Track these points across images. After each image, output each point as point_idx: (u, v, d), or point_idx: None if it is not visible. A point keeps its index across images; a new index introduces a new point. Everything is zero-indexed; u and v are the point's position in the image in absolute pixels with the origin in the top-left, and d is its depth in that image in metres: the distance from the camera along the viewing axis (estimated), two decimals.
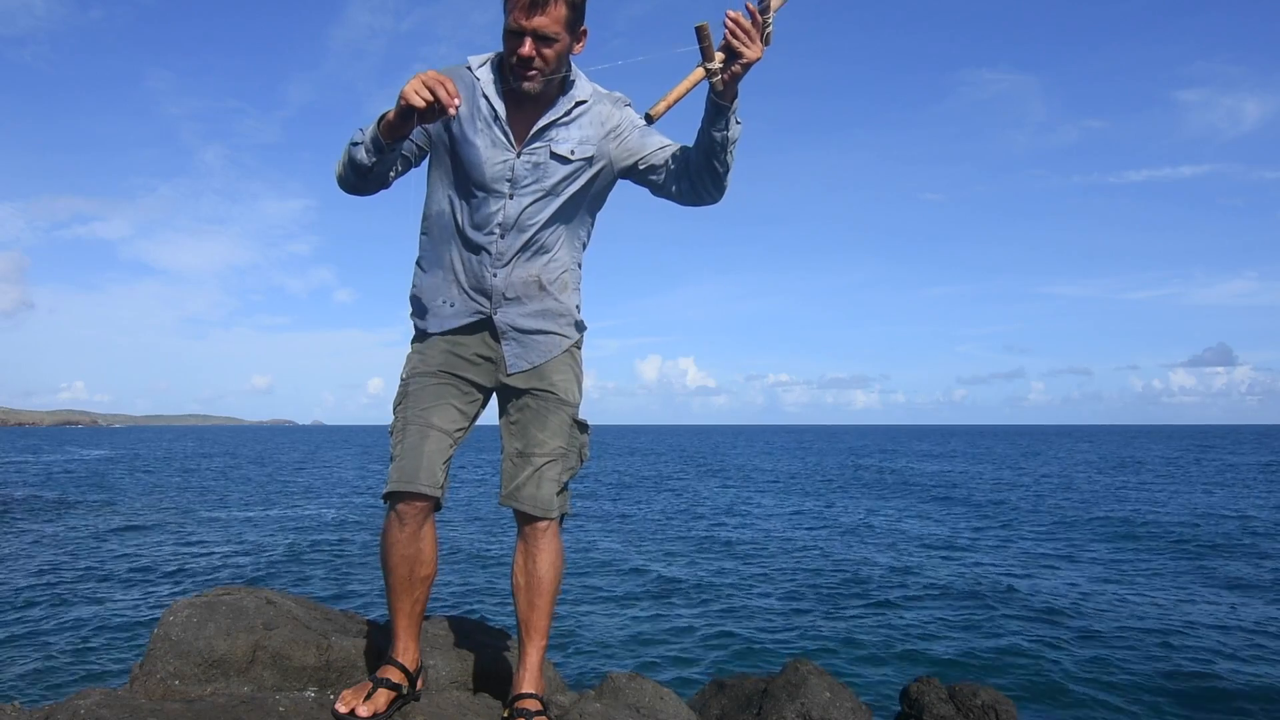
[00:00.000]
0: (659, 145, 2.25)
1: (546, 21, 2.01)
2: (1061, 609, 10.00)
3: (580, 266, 2.41)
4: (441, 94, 1.86)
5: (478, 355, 2.29)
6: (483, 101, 2.17)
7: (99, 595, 10.56)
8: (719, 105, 2.03)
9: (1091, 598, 10.64)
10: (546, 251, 2.27)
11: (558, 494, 2.32)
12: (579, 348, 2.41)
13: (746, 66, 1.95)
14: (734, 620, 9.55)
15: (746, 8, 1.90)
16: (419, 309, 2.34)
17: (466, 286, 2.26)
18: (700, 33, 1.88)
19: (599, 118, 2.22)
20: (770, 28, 1.92)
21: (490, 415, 2.45)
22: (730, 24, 1.89)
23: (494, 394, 2.39)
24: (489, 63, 2.21)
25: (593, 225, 2.41)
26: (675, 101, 1.95)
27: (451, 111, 1.88)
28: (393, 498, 2.23)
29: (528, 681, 2.33)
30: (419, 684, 2.39)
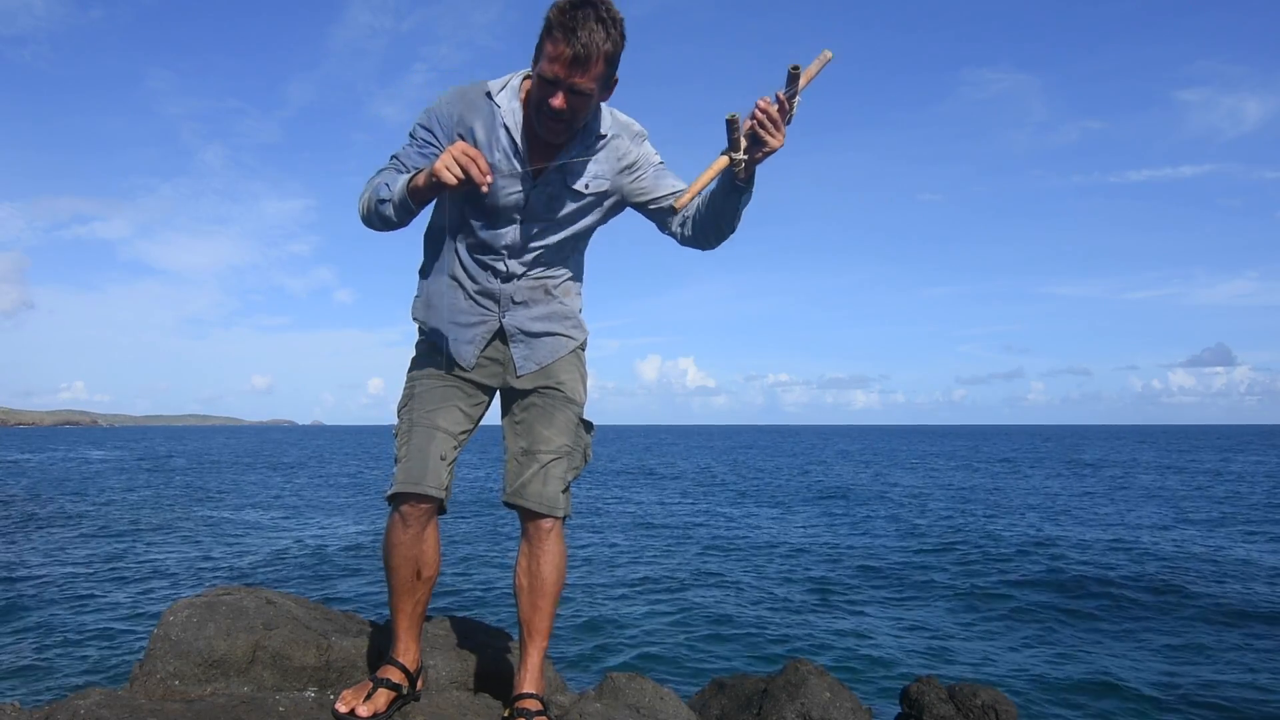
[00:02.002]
0: (671, 189, 2.22)
1: (586, 80, 1.96)
2: (1061, 609, 10.00)
3: (582, 269, 2.44)
4: (474, 172, 1.88)
5: (484, 358, 2.30)
6: (502, 132, 2.13)
7: (99, 595, 10.55)
8: (737, 186, 2.03)
9: (1090, 597, 10.64)
10: (552, 265, 2.30)
11: (562, 492, 2.32)
12: (584, 349, 2.43)
13: (768, 154, 1.95)
14: (734, 620, 9.55)
15: (777, 97, 1.88)
16: (426, 318, 2.33)
17: (472, 292, 2.27)
18: (731, 125, 1.90)
19: (616, 152, 2.20)
20: (795, 110, 1.92)
21: (492, 415, 2.46)
22: (760, 115, 1.89)
23: (497, 394, 2.40)
24: (509, 88, 2.15)
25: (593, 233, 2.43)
26: (699, 192, 2.00)
27: (484, 190, 1.90)
28: (397, 499, 2.23)
29: (528, 682, 2.33)
30: (419, 684, 2.39)
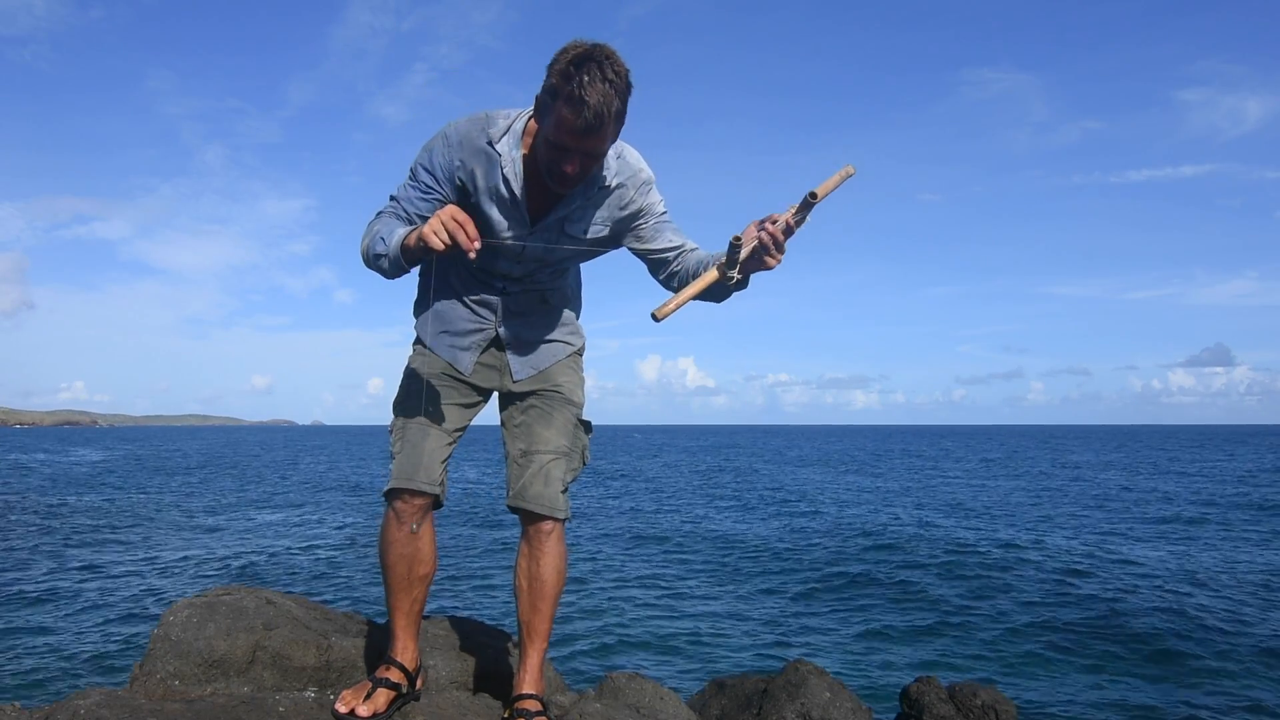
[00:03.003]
0: (669, 244, 2.21)
1: (597, 142, 1.93)
2: (1059, 610, 10.00)
3: (579, 278, 2.48)
4: (461, 239, 1.86)
5: (480, 364, 2.33)
6: (502, 182, 2.09)
7: (99, 595, 10.56)
8: (729, 290, 2.03)
9: (1087, 598, 10.64)
10: (549, 279, 2.32)
11: (561, 493, 2.32)
12: (581, 355, 2.47)
13: (762, 270, 1.95)
14: (734, 620, 9.56)
15: (786, 221, 1.87)
16: (424, 322, 2.35)
17: (469, 301, 2.30)
18: (733, 246, 1.89)
19: (619, 200, 2.16)
20: (798, 229, 1.91)
21: (489, 415, 2.47)
22: (766, 239, 1.87)
23: (494, 397, 2.42)
24: (512, 134, 2.08)
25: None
26: (685, 303, 1.96)
27: (471, 256, 1.88)
28: (392, 495, 2.25)
29: (528, 682, 2.34)
30: (419, 683, 2.39)
